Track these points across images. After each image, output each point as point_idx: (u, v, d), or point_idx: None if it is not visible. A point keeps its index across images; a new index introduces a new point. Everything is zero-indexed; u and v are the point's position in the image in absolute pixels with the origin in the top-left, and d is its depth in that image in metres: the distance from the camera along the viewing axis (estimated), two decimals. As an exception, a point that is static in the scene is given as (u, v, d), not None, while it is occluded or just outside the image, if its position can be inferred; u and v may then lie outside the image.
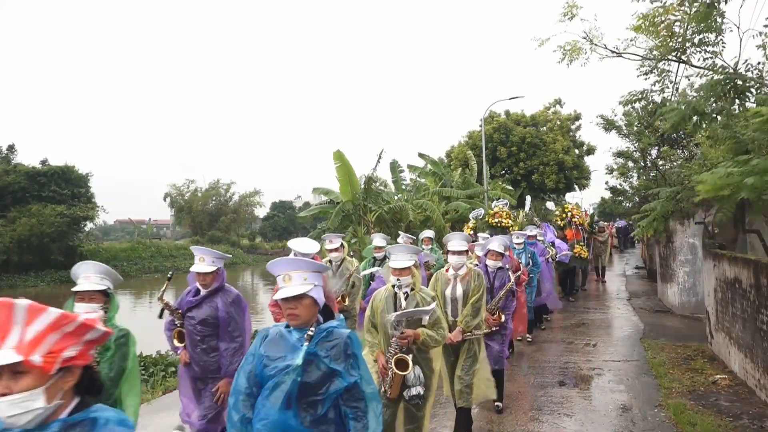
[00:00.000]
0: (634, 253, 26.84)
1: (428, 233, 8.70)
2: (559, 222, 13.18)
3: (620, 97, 6.24)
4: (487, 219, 12.17)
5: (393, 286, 3.67)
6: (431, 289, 4.65)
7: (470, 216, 13.13)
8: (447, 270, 4.78)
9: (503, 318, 5.29)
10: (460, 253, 4.66)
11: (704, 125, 5.81)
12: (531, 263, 8.13)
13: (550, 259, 9.67)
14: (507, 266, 5.49)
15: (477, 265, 5.48)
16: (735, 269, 6.31)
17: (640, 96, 6.04)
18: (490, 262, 5.41)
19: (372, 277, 6.73)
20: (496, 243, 5.42)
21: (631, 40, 6.00)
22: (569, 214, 13.29)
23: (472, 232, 12.11)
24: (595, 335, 8.90)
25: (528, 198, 16.02)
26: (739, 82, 5.07)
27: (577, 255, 12.61)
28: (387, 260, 6.60)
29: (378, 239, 7.21)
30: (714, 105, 5.36)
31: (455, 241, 4.76)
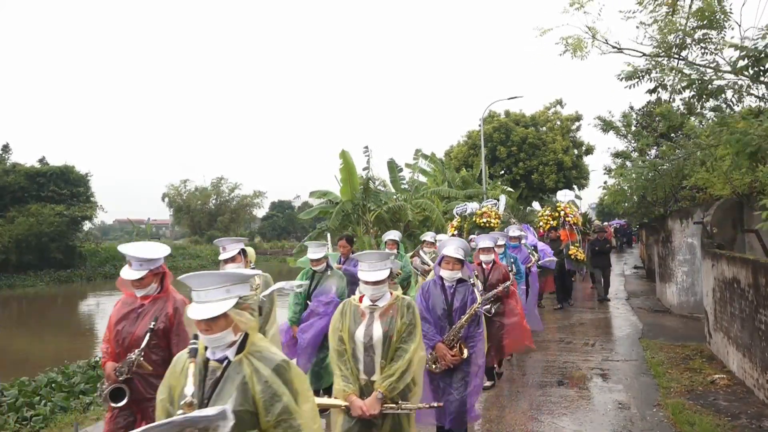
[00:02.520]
0: (632, 252, 26.89)
1: (393, 234, 7.10)
2: (552, 222, 12.34)
3: (620, 72, 6.16)
4: (474, 218, 11.42)
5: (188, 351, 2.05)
6: (334, 327, 3.18)
7: (454, 212, 12.25)
8: (361, 299, 3.17)
9: (466, 353, 3.84)
10: (377, 283, 3.06)
11: (701, 108, 5.79)
12: (513, 270, 6.81)
13: (532, 268, 8.26)
14: (471, 278, 4.15)
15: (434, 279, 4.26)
16: (733, 269, 6.32)
17: (642, 74, 5.98)
18: (445, 273, 4.00)
19: (307, 296, 5.31)
20: (452, 247, 4.02)
21: (633, 13, 5.92)
22: (562, 213, 12.45)
23: (456, 232, 11.22)
24: (594, 335, 8.91)
25: (502, 197, 14.08)
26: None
27: (573, 257, 11.70)
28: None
29: (313, 250, 5.33)
30: (718, 84, 5.31)
31: (370, 263, 3.09)
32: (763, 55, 4.80)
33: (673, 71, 5.88)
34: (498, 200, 12.37)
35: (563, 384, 6.27)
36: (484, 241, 5.78)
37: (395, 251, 6.74)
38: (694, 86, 5.25)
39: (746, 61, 4.93)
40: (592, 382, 6.38)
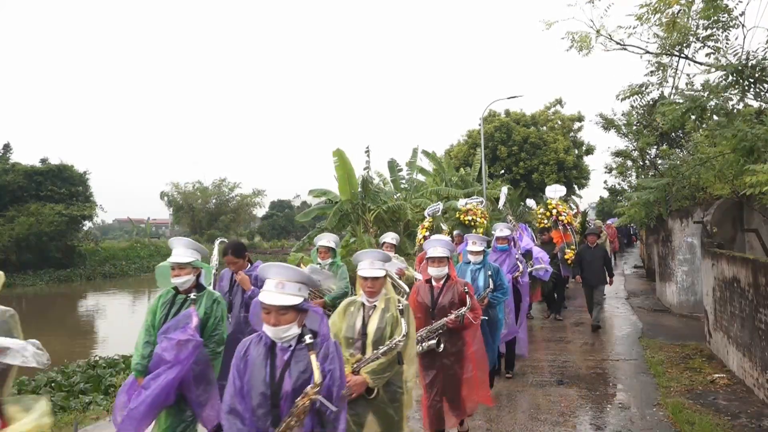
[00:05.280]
0: (632, 252, 26.90)
1: (326, 239, 5.58)
2: (545, 222, 10.99)
3: (619, 92, 6.16)
4: (458, 216, 10.46)
5: None
6: None
7: (426, 213, 11.09)
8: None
9: None
10: None
11: (703, 124, 5.80)
12: (493, 285, 5.09)
13: (522, 278, 6.63)
14: (308, 336, 2.31)
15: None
16: (733, 268, 6.32)
17: (639, 90, 5.98)
18: (268, 329, 2.28)
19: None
20: (272, 284, 2.28)
21: (633, 28, 5.92)
22: (554, 211, 11.08)
23: (428, 233, 10.06)
24: (593, 334, 8.89)
25: (504, 189, 12.53)
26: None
27: (569, 262, 10.29)
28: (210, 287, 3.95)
29: (180, 250, 3.66)
30: (715, 101, 5.35)
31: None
32: (745, 67, 4.85)
33: (674, 78, 5.90)
34: (493, 198, 11.51)
35: (563, 383, 6.26)
36: (434, 248, 4.17)
37: (329, 260, 5.47)
38: (691, 112, 5.27)
39: (734, 76, 4.98)
40: (592, 381, 6.37)
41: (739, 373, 6.18)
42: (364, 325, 3.18)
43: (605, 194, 25.89)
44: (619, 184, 17.55)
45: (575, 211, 14.68)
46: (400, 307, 3.25)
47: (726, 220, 8.89)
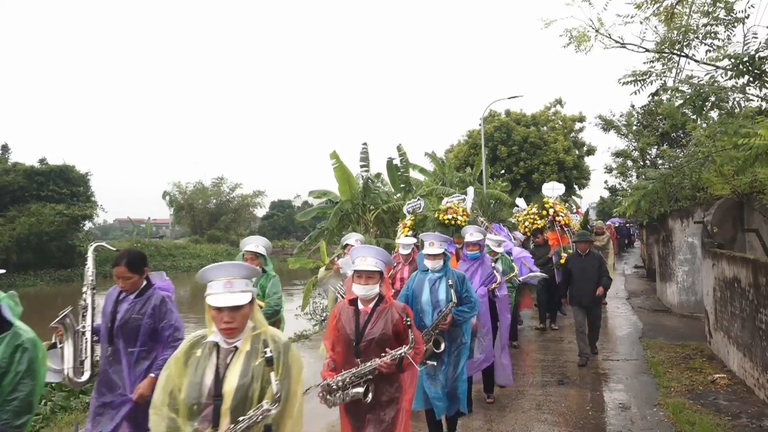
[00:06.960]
0: (633, 252, 26.90)
1: (252, 243, 4.80)
2: (538, 223, 10.05)
3: (621, 76, 6.13)
4: (437, 215, 9.68)
5: None
6: None
7: (405, 209, 10.12)
8: None
9: None
10: None
11: (703, 121, 5.78)
12: (453, 300, 4.01)
13: (499, 290, 5.41)
14: None
15: None
16: (734, 268, 6.31)
17: (642, 77, 5.95)
18: None
19: None
20: None
21: (632, 17, 5.89)
22: (551, 211, 10.01)
23: (410, 233, 9.15)
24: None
25: (470, 189, 11.24)
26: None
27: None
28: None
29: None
30: (715, 96, 5.33)
31: None
32: (747, 58, 4.83)
33: (675, 72, 5.87)
34: (463, 196, 10.25)
35: (563, 383, 6.26)
36: (361, 258, 3.13)
37: (257, 268, 4.08)
38: (691, 102, 5.25)
39: (739, 68, 4.96)
40: (593, 381, 6.37)
41: (739, 373, 6.18)
42: (219, 380, 2.11)
43: (605, 194, 25.86)
44: (619, 184, 17.54)
45: (575, 210, 14.55)
46: (268, 352, 2.12)
47: (726, 220, 8.89)
